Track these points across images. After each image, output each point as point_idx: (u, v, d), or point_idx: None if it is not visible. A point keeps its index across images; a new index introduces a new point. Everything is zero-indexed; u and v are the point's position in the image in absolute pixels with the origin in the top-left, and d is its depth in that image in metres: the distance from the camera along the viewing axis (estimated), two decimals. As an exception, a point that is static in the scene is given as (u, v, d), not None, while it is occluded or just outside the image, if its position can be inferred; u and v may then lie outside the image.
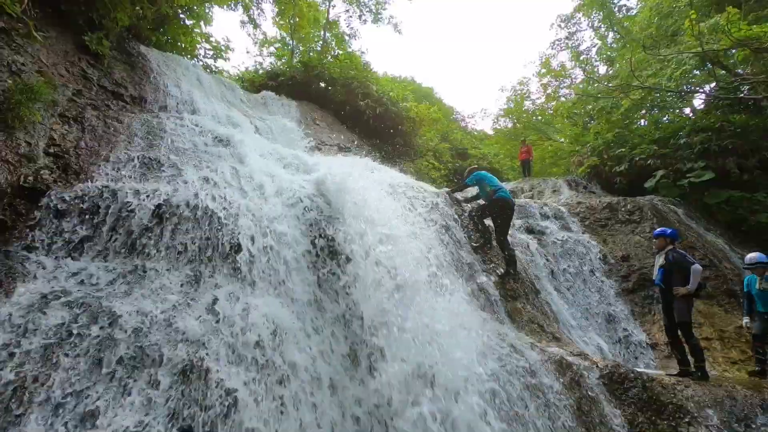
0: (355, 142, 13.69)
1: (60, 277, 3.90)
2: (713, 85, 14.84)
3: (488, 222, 7.06)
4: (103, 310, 3.54)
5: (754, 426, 4.51)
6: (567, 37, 24.26)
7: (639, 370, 5.17)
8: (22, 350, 3.07)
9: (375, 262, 4.65)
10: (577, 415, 4.30)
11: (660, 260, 5.89)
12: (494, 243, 6.91)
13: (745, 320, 6.33)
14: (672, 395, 4.76)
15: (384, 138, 15.45)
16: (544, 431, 4.03)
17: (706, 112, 14.57)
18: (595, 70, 23.66)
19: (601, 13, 21.81)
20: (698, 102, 16.60)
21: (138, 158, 5.64)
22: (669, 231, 6.10)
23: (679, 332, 5.65)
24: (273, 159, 6.96)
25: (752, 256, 6.26)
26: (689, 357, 5.57)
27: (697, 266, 5.50)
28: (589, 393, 4.54)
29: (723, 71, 13.70)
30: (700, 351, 5.45)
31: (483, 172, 7.34)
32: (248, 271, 4.35)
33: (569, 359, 4.85)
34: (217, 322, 3.78)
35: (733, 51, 12.05)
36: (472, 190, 7.88)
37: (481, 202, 7.29)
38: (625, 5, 21.79)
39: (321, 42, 18.66)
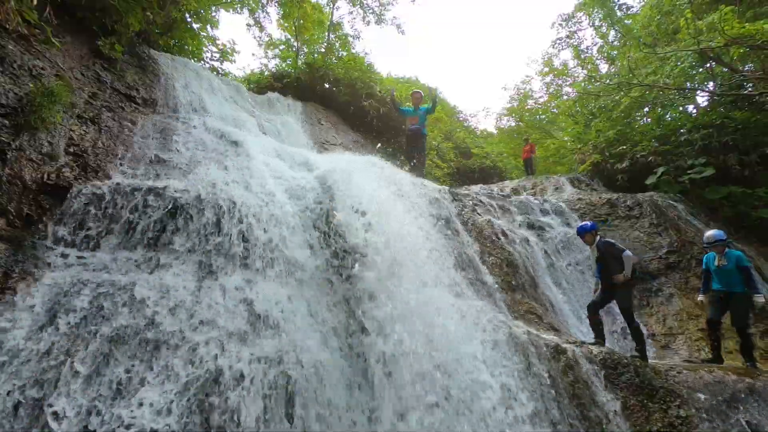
0: (360, 142, 13.94)
1: (82, 268, 4.17)
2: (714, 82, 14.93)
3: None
4: (122, 297, 3.81)
5: (741, 408, 4.68)
6: (568, 36, 24.36)
7: (632, 355, 5.33)
8: (50, 331, 3.35)
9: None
10: (570, 398, 4.50)
11: (594, 254, 6.02)
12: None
13: (700, 297, 6.51)
14: (664, 380, 4.94)
15: (388, 137, 15.67)
16: (537, 414, 4.24)
17: (708, 109, 14.63)
18: (597, 68, 23.73)
19: (601, 12, 21.87)
20: (702, 99, 16.68)
21: (151, 157, 5.94)
22: (590, 224, 6.19)
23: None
24: (278, 157, 7.22)
25: (711, 234, 6.42)
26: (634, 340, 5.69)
27: (627, 252, 5.68)
28: (583, 377, 4.74)
29: (726, 69, 13.76)
30: (641, 334, 5.64)
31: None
32: (255, 260, 4.61)
33: (564, 345, 5.05)
34: (225, 309, 4.06)
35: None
36: None
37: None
38: (625, 3, 21.78)
39: (325, 44, 18.91)
